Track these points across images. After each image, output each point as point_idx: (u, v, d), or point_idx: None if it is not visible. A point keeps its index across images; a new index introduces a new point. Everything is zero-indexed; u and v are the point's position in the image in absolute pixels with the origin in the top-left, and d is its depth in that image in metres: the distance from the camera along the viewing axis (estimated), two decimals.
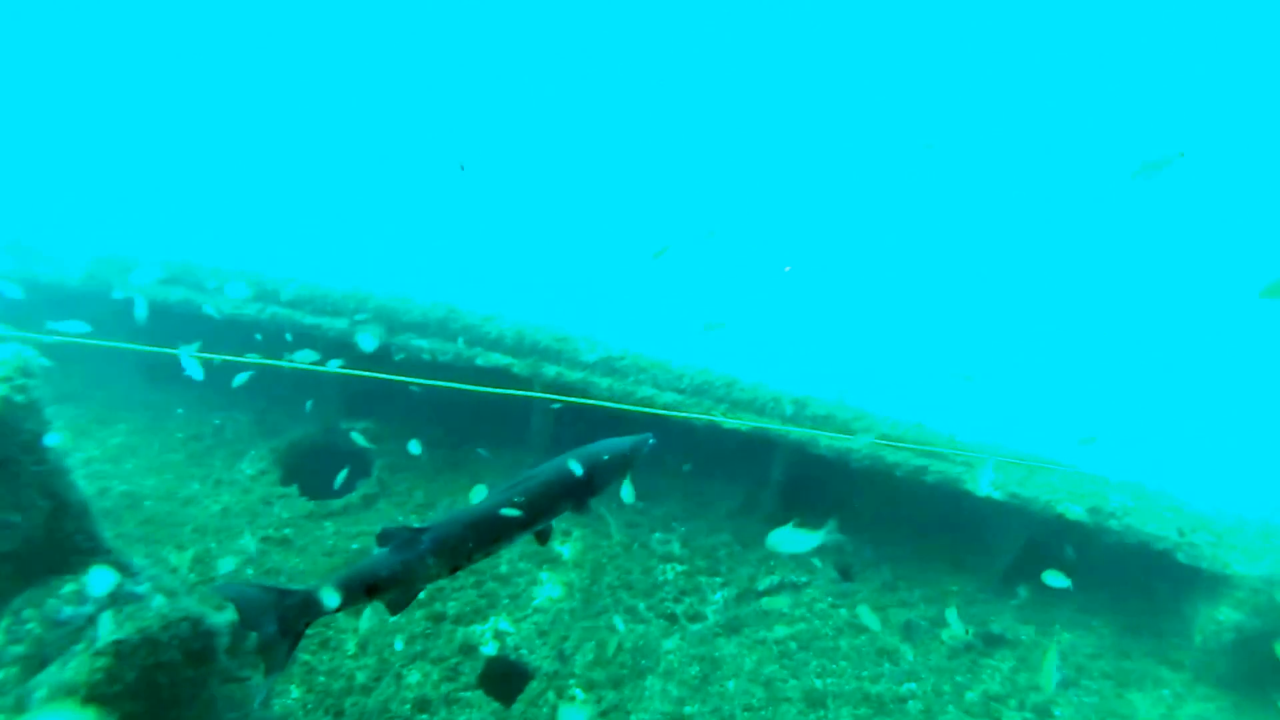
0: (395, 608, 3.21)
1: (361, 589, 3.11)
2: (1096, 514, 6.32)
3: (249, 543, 5.92)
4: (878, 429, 6.72)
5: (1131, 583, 6.84)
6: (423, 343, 7.11)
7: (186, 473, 6.79)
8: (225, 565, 5.62)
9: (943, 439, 6.73)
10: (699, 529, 7.20)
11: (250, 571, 5.80)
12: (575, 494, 3.54)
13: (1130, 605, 6.86)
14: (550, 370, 7.09)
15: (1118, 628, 6.77)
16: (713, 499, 7.54)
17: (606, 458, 3.65)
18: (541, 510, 3.42)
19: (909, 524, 7.23)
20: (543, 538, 3.60)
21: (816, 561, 7.01)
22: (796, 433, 6.77)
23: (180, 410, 7.51)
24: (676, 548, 6.96)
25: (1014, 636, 6.51)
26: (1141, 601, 6.85)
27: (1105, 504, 6.33)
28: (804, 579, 6.79)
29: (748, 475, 7.53)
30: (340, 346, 7.06)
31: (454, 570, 3.31)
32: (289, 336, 6.97)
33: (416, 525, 3.21)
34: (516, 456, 7.69)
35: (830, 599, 6.66)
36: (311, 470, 7.25)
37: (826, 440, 6.65)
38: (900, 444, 6.48)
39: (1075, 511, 6.35)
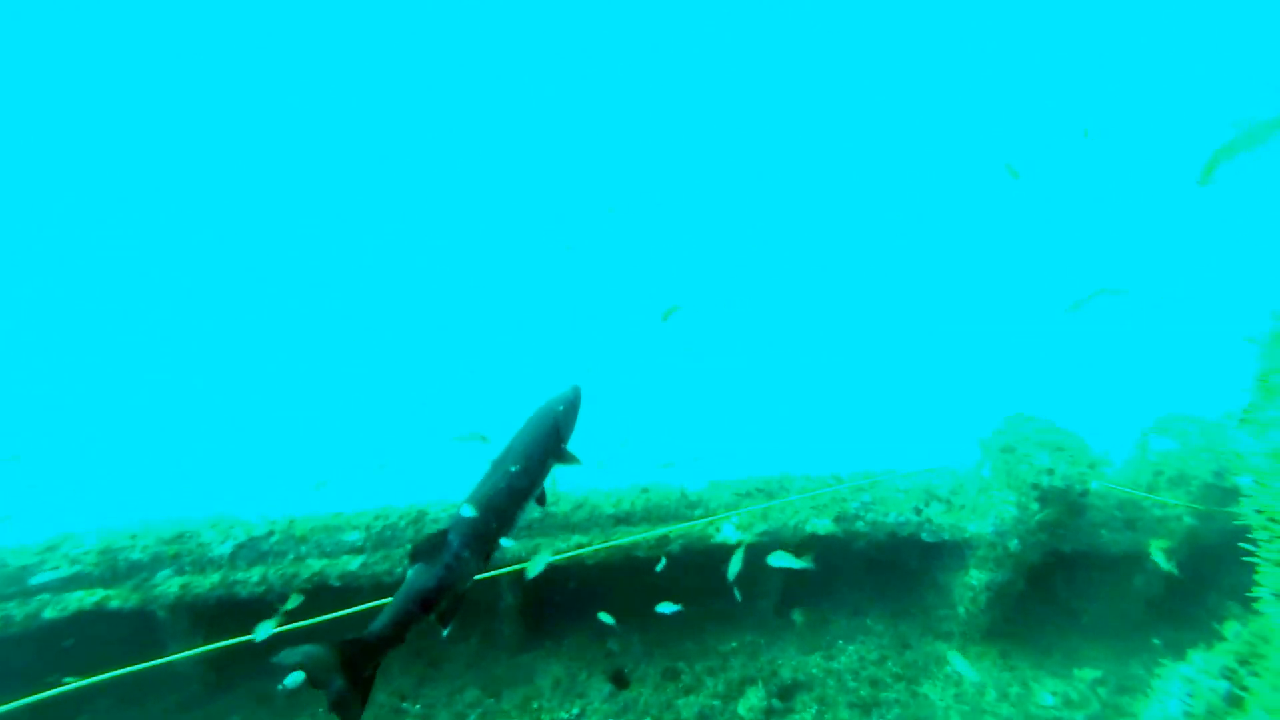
0: (446, 618, 3.12)
1: (418, 607, 3.01)
2: (843, 520, 5.97)
3: None
4: (603, 509, 5.78)
5: (891, 569, 6.70)
6: None
7: None
8: None
9: (675, 494, 5.97)
10: (437, 697, 5.75)
11: None
12: (553, 449, 3.59)
13: (895, 591, 6.72)
14: (171, 587, 5.14)
15: (890, 618, 6.60)
16: (444, 652, 6.12)
17: (562, 409, 3.72)
18: (536, 474, 3.46)
19: (670, 597, 6.44)
20: (542, 500, 3.63)
21: (584, 674, 5.97)
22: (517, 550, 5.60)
23: None
24: None
25: (805, 676, 5.99)
26: (903, 584, 6.74)
27: (848, 508, 5.99)
28: (574, 710, 5.69)
29: (477, 610, 6.21)
30: None
31: (487, 558, 3.24)
32: None
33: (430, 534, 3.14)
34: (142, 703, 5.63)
35: None
36: None
37: (549, 550, 5.55)
38: (631, 530, 5.58)
39: (824, 526, 5.94)
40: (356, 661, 2.86)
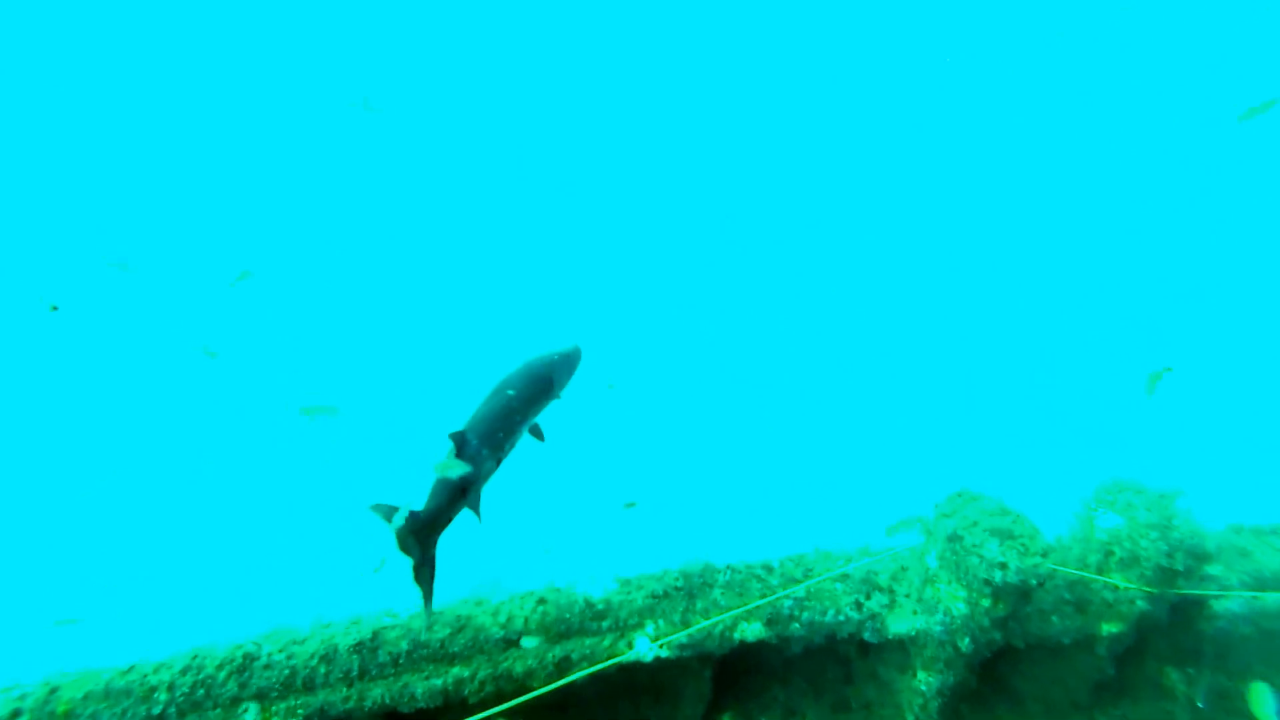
0: (476, 508, 3.42)
1: (459, 493, 3.31)
2: (775, 624, 5.12)
3: None
4: (490, 631, 4.67)
5: (828, 662, 5.93)
6: None
7: None
8: None
9: (579, 603, 4.93)
10: None
11: None
12: (547, 391, 3.86)
13: (832, 684, 5.95)
14: None
15: (830, 715, 5.83)
16: None
17: (557, 358, 3.94)
18: (532, 402, 3.75)
19: (570, 713, 5.41)
20: (538, 433, 3.93)
21: None
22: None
23: None
24: None
25: None
26: (840, 673, 5.98)
27: (781, 609, 5.14)
28: None
29: None
30: None
31: (498, 463, 3.52)
32: None
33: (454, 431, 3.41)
34: None
35: None
36: None
37: (422, 689, 4.40)
38: (524, 655, 4.49)
39: (754, 631, 5.07)
40: (423, 535, 3.18)
